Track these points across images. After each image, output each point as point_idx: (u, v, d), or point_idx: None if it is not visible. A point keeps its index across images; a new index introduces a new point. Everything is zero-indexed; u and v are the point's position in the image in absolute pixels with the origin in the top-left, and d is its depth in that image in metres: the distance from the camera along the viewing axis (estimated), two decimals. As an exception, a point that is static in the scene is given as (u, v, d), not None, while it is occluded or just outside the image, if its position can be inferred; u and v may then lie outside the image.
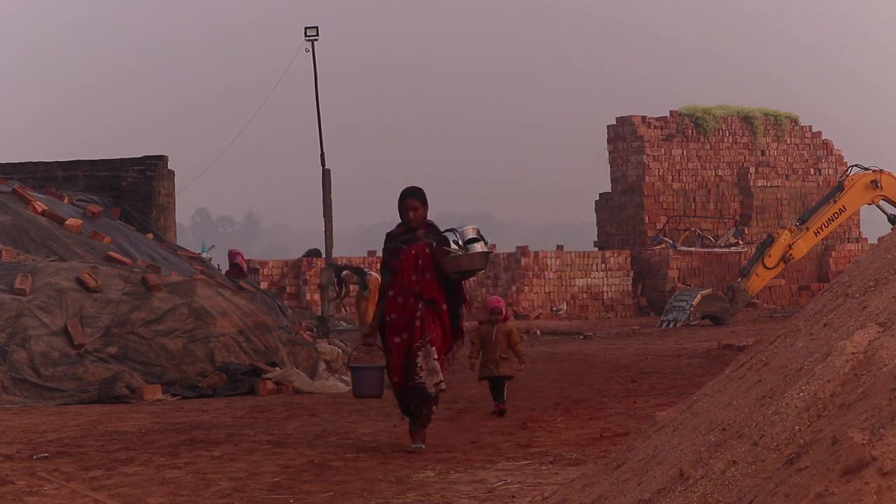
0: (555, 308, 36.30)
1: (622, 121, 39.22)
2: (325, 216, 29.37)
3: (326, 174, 29.30)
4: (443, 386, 9.51)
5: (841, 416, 4.05)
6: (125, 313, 15.62)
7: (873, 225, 40.49)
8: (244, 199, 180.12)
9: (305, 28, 30.17)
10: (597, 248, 39.17)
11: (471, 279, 36.85)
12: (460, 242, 9.53)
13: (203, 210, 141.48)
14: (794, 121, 41.36)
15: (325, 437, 10.65)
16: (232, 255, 22.57)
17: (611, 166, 39.44)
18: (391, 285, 9.59)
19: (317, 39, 30.13)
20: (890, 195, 29.92)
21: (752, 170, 39.89)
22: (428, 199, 9.78)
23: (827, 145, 41.85)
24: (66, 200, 20.59)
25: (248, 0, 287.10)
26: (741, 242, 38.39)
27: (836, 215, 29.88)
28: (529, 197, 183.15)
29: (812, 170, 41.22)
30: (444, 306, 9.58)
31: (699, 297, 30.31)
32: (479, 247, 9.58)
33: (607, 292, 37.36)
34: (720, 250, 37.96)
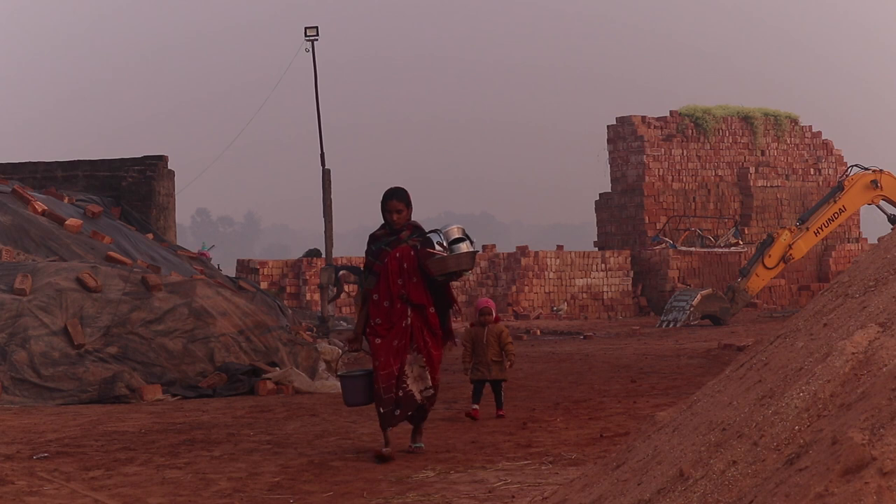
0: (555, 308, 36.30)
1: (622, 121, 39.22)
2: (325, 216, 29.37)
3: (326, 174, 29.29)
4: (430, 392, 9.31)
5: (841, 416, 4.05)
6: (125, 313, 15.62)
7: (873, 225, 40.50)
8: (244, 199, 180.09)
9: (305, 28, 30.16)
10: (597, 248, 39.17)
11: (470, 278, 36.77)
12: (444, 243, 9.28)
13: (203, 210, 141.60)
14: (794, 121, 41.37)
15: (325, 437, 10.65)
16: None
17: (611, 166, 39.45)
18: (375, 289, 9.33)
19: (317, 39, 30.12)
20: (890, 195, 29.93)
21: (752, 170, 39.90)
22: (412, 199, 9.53)
23: (827, 145, 41.85)
24: (66, 200, 20.60)
25: (248, 0, 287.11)
26: (741, 242, 38.39)
27: (836, 215, 29.89)
28: (529, 197, 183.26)
29: (812, 170, 41.22)
30: (432, 310, 9.37)
31: (699, 297, 30.32)
32: (464, 247, 9.31)
33: (607, 292, 37.36)
34: (720, 250, 37.97)
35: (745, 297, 30.50)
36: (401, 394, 9.20)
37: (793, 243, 29.62)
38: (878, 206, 30.32)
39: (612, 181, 39.47)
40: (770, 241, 29.98)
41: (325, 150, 29.62)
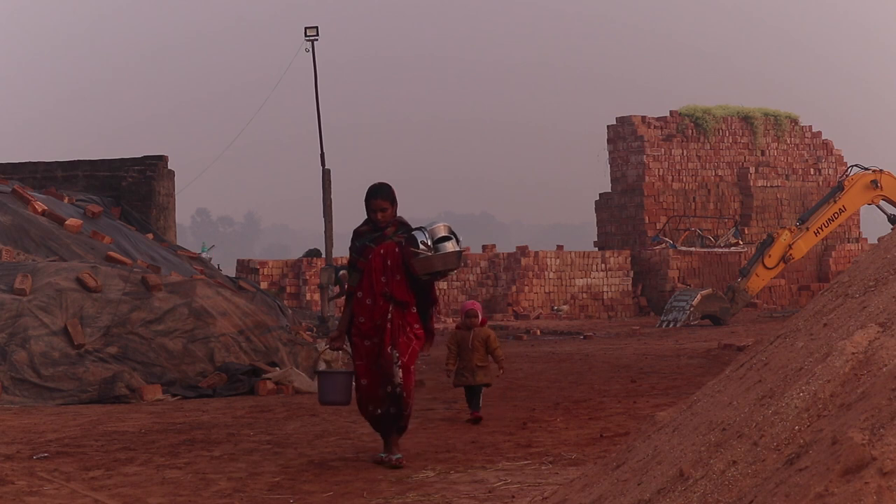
0: (555, 308, 36.30)
1: (622, 121, 39.22)
2: (325, 216, 29.37)
3: (326, 174, 29.31)
4: (399, 391, 8.88)
5: (841, 416, 4.05)
6: (125, 313, 15.61)
7: (873, 225, 40.50)
8: (244, 199, 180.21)
9: (305, 28, 30.19)
10: (597, 248, 39.17)
11: (470, 278, 36.74)
12: (429, 242, 8.94)
13: (203, 210, 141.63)
14: (794, 121, 41.37)
15: (325, 437, 10.65)
16: None
17: (611, 166, 39.45)
18: (359, 286, 9.04)
19: (317, 39, 30.15)
20: (890, 195, 29.93)
21: (752, 170, 39.90)
22: (397, 196, 9.19)
23: (827, 145, 41.85)
24: (66, 200, 20.60)
25: (248, 0, 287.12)
26: (741, 242, 38.40)
27: (836, 215, 29.89)
28: (529, 197, 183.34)
29: (812, 170, 41.22)
30: (414, 309, 9.08)
31: (699, 297, 30.32)
32: (450, 246, 8.99)
33: (607, 292, 37.36)
34: (720, 250, 37.97)
35: (745, 297, 30.50)
36: (389, 389, 8.91)
37: (793, 243, 29.62)
38: (878, 206, 30.32)
39: (612, 181, 39.47)
40: (770, 241, 29.99)
41: (325, 150, 29.66)
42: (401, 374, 8.89)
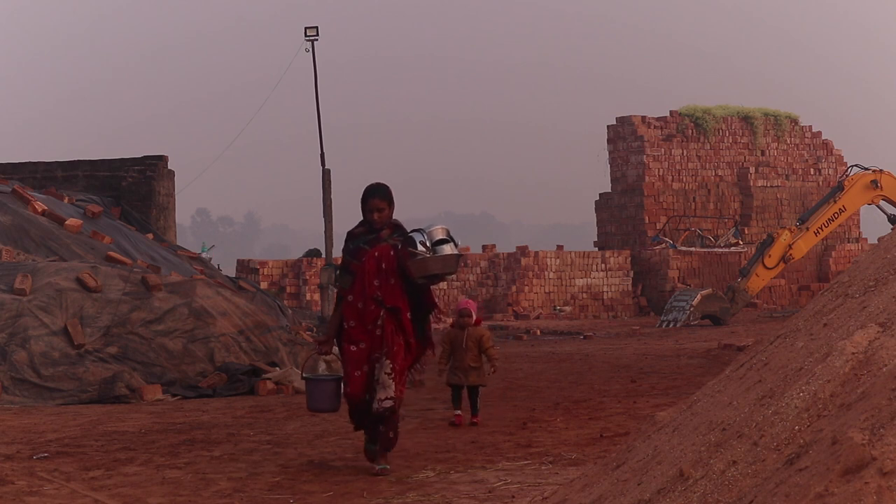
0: (557, 308, 36.30)
1: (622, 121, 39.22)
2: (325, 216, 29.38)
3: (326, 174, 29.33)
4: (388, 403, 8.54)
5: (841, 416, 4.05)
6: (125, 313, 15.61)
7: (873, 225, 40.50)
8: (244, 199, 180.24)
9: (305, 28, 30.21)
10: (597, 248, 39.18)
11: (470, 278, 36.72)
12: (428, 244, 8.59)
13: (203, 210, 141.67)
14: (794, 121, 41.38)
15: (325, 437, 10.65)
16: None
17: (611, 166, 39.46)
18: (350, 289, 8.68)
19: (317, 39, 30.16)
20: (890, 195, 29.93)
21: (752, 170, 39.90)
22: (394, 197, 8.89)
23: (827, 145, 41.86)
24: (66, 200, 20.60)
25: (248, 0, 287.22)
26: (741, 242, 38.40)
27: (836, 215, 29.90)
28: (529, 197, 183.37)
29: (812, 170, 41.22)
30: (408, 315, 8.68)
31: (699, 297, 30.32)
32: (448, 248, 8.63)
33: (607, 292, 37.36)
34: (720, 250, 37.97)
35: (745, 297, 30.50)
36: (375, 406, 8.58)
37: (793, 243, 29.63)
38: (878, 206, 30.33)
39: (612, 181, 39.47)
40: (770, 241, 29.99)
41: (325, 150, 29.67)
42: (394, 386, 8.56)
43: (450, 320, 13.58)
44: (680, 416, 5.65)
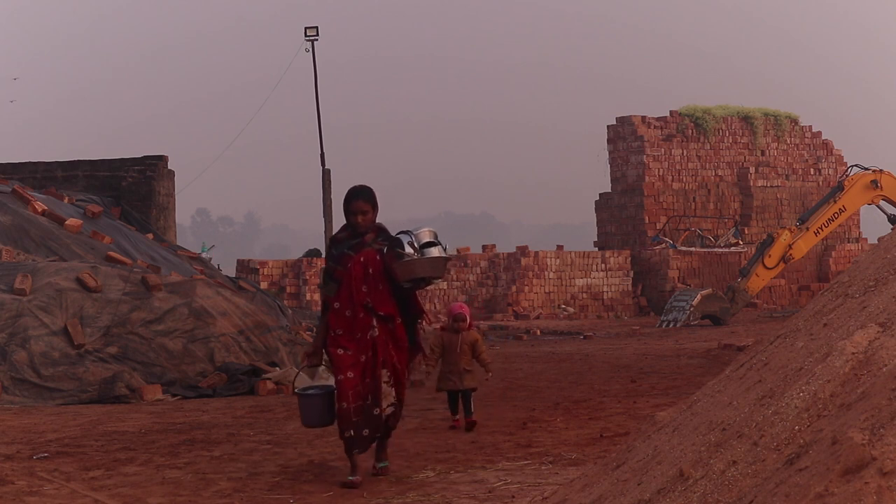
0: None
1: (622, 121, 39.22)
2: (325, 216, 29.41)
3: (326, 174, 29.37)
4: (392, 409, 8.36)
5: (841, 416, 4.05)
6: (125, 313, 15.61)
7: (873, 225, 40.49)
8: (244, 199, 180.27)
9: (305, 28, 30.25)
10: (597, 248, 39.17)
11: (470, 279, 36.67)
12: (415, 246, 8.28)
13: (203, 210, 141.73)
14: (794, 121, 41.37)
15: (325, 437, 10.65)
16: None
17: (611, 166, 39.46)
18: (337, 297, 8.38)
19: (317, 39, 30.19)
20: (890, 195, 29.93)
21: (752, 170, 39.90)
22: (378, 201, 8.60)
23: (827, 145, 41.86)
24: (66, 200, 20.60)
25: (248, 0, 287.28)
26: (741, 242, 38.40)
27: (836, 215, 29.90)
28: (529, 197, 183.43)
29: (812, 170, 41.22)
30: (399, 321, 8.42)
31: (699, 297, 30.32)
32: (435, 251, 8.32)
33: (607, 292, 37.36)
34: (720, 250, 37.97)
35: (745, 297, 30.50)
36: (376, 412, 8.32)
37: (793, 243, 29.63)
38: (878, 206, 30.33)
39: (612, 181, 39.47)
40: (770, 241, 29.99)
41: (325, 150, 29.72)
42: (393, 393, 8.36)
43: (439, 324, 13.55)
44: (680, 416, 5.65)
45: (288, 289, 34.58)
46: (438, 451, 9.67)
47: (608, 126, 39.61)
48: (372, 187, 8.62)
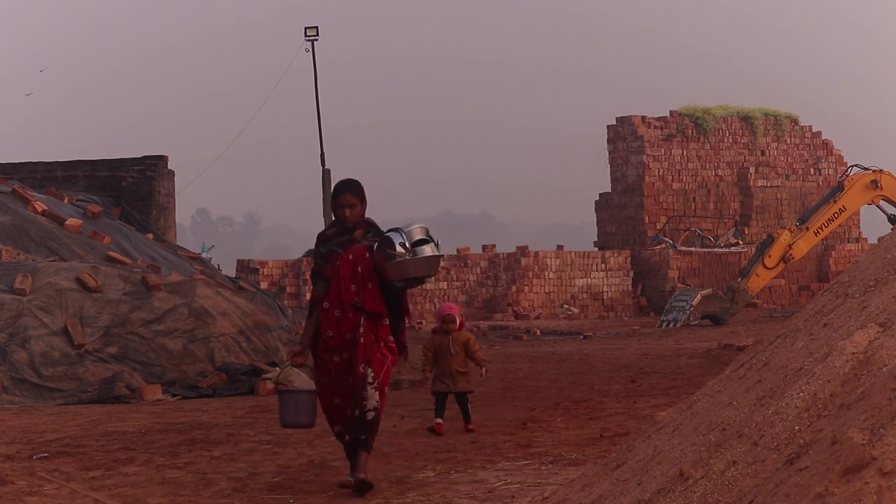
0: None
1: (622, 121, 39.22)
2: (325, 216, 29.40)
3: (326, 174, 29.37)
4: (371, 415, 7.99)
5: (841, 416, 4.05)
6: (125, 313, 15.61)
7: (873, 225, 40.49)
8: (244, 199, 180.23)
9: (305, 28, 30.26)
10: (597, 248, 39.17)
11: (470, 278, 36.67)
12: (407, 244, 8.02)
13: (203, 210, 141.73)
14: (794, 121, 41.37)
15: (325, 437, 10.64)
16: None
17: (611, 166, 39.45)
18: (325, 296, 8.12)
19: (317, 39, 30.20)
20: (890, 195, 29.93)
21: (752, 170, 39.90)
22: (366, 194, 8.34)
23: (827, 145, 41.85)
24: (66, 200, 20.60)
25: (248, 0, 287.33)
26: (741, 242, 38.40)
27: (836, 215, 29.90)
28: (529, 197, 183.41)
29: (812, 170, 41.22)
30: (386, 321, 8.16)
31: (699, 297, 30.32)
32: (428, 249, 8.06)
33: (607, 292, 37.36)
34: (720, 250, 37.97)
35: (745, 297, 30.50)
36: (356, 413, 7.99)
37: (793, 243, 29.63)
38: (878, 206, 30.33)
39: (612, 181, 39.47)
40: (770, 241, 29.99)
41: (325, 150, 29.73)
42: (377, 397, 8.04)
43: (427, 326, 13.47)
44: (680, 416, 5.65)
45: (288, 289, 34.58)
46: (438, 451, 9.67)
47: (608, 126, 39.61)
48: (360, 181, 8.38)
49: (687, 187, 39.04)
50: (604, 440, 9.95)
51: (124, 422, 12.27)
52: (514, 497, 7.59)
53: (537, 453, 9.42)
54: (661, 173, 38.72)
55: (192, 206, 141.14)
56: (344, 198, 8.19)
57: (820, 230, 29.84)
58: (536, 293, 36.54)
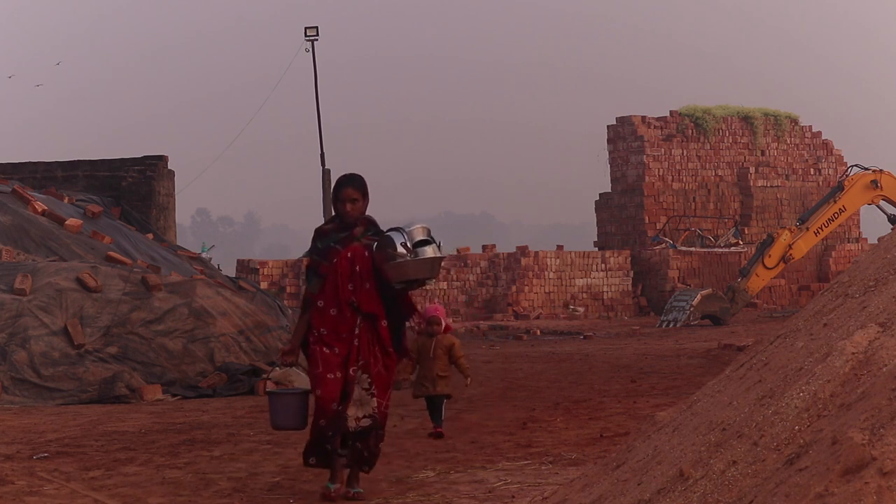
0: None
1: (622, 121, 39.22)
2: (325, 216, 29.40)
3: (326, 174, 29.37)
4: (367, 422, 7.74)
5: (841, 416, 4.05)
6: (125, 313, 15.61)
7: (873, 225, 40.49)
8: (244, 199, 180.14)
9: (305, 28, 30.25)
10: (597, 248, 39.17)
11: (470, 278, 36.67)
12: (409, 245, 7.75)
13: (203, 210, 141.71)
14: (794, 121, 41.36)
15: (325, 437, 10.65)
16: None
17: (611, 166, 39.45)
18: (320, 294, 7.83)
19: (317, 39, 30.19)
20: (890, 195, 29.94)
21: (752, 170, 39.90)
22: (369, 190, 8.04)
23: (827, 145, 41.86)
24: (66, 200, 20.59)
25: (248, 0, 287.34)
26: (741, 242, 38.40)
27: (836, 215, 29.90)
28: (529, 197, 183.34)
29: (812, 170, 41.22)
30: (384, 322, 7.86)
31: (699, 297, 30.32)
32: (430, 251, 7.79)
33: (607, 292, 37.36)
34: (720, 250, 37.97)
35: (745, 297, 30.51)
36: (340, 408, 7.73)
37: (793, 243, 29.63)
38: (878, 206, 30.34)
39: (612, 181, 39.46)
40: (770, 241, 29.99)
41: (325, 150, 29.73)
42: (374, 403, 7.76)
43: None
44: (680, 416, 5.65)
45: (288, 289, 34.58)
46: (438, 451, 9.67)
47: (608, 126, 39.60)
48: (362, 176, 8.08)
49: (687, 187, 39.04)
50: (604, 440, 9.95)
51: (124, 422, 12.27)
52: (514, 497, 7.59)
53: (537, 453, 9.42)
54: (661, 173, 38.72)
55: (192, 206, 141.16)
56: (346, 192, 7.89)
57: (820, 230, 29.84)
58: (536, 293, 36.54)
